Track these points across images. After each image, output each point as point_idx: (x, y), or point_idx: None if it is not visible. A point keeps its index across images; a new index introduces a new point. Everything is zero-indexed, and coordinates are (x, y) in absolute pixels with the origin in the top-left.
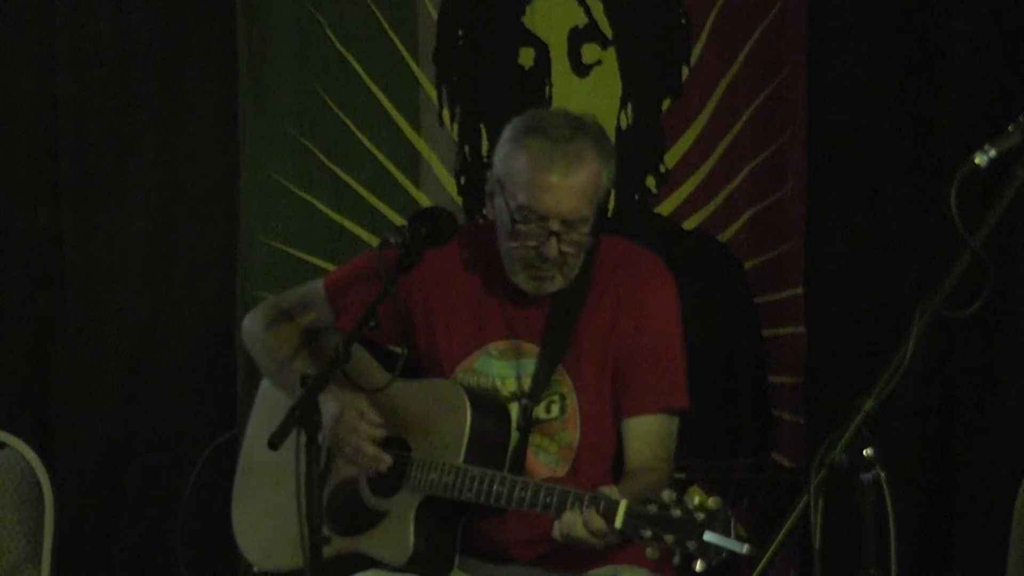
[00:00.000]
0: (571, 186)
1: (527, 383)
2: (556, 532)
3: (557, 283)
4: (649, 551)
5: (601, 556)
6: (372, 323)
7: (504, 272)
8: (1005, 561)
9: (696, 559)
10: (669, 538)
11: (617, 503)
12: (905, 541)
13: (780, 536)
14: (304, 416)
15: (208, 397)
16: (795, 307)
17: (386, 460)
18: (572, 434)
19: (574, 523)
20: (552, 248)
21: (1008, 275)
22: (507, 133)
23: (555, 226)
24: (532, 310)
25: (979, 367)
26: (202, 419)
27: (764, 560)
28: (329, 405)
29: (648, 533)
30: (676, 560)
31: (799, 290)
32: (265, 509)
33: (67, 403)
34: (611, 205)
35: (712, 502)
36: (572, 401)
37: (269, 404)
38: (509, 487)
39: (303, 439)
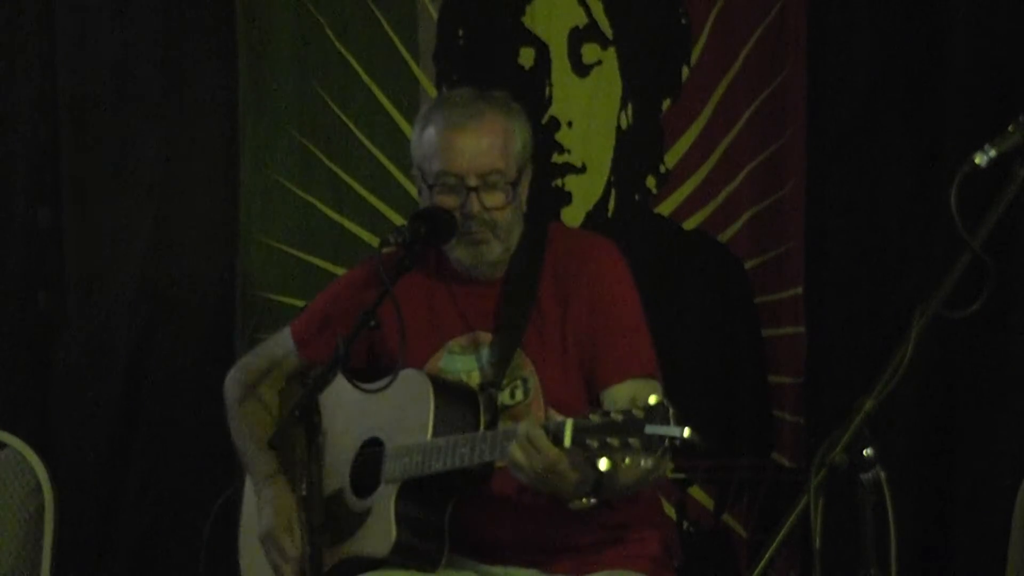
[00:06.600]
0: (478, 143)
1: (490, 372)
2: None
3: (495, 249)
4: (602, 462)
5: (599, 560)
6: (372, 323)
7: (453, 269)
8: (1005, 561)
9: (642, 455)
10: (614, 441)
11: (563, 423)
12: (905, 541)
13: (780, 536)
14: (304, 416)
15: (208, 397)
16: (795, 307)
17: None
18: (539, 416)
19: (526, 455)
20: (474, 204)
21: (1008, 275)
22: (415, 123)
23: (472, 181)
24: (484, 299)
25: (979, 367)
26: (202, 419)
27: (764, 560)
28: (265, 511)
29: (595, 443)
30: (627, 462)
31: (799, 290)
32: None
33: (67, 403)
34: (611, 205)
35: (652, 399)
36: (534, 383)
37: None
38: (471, 445)
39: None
